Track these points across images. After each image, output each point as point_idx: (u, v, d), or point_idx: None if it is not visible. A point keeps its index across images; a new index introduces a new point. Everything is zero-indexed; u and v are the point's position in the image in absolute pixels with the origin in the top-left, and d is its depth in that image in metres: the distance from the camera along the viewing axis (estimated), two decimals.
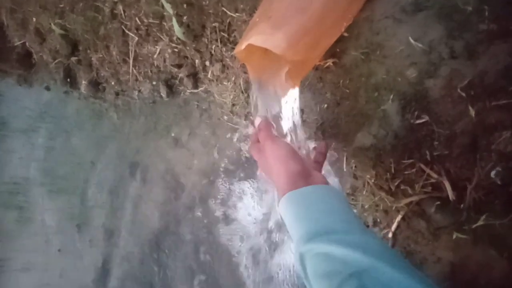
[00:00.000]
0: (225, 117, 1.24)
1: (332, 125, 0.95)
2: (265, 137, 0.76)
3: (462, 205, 0.70)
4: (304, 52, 0.78)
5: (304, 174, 0.68)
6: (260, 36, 0.75)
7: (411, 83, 0.76)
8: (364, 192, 0.89)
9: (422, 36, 0.76)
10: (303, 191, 0.63)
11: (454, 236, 0.70)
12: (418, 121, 0.75)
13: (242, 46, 0.77)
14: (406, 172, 0.78)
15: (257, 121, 0.83)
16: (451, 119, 0.71)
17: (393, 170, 0.80)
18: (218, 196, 1.23)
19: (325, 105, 0.96)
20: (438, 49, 0.73)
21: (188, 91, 1.32)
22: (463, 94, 0.69)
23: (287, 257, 1.07)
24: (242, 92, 1.16)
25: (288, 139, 0.88)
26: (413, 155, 0.77)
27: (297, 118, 0.86)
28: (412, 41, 0.76)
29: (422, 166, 0.75)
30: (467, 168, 0.70)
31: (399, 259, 0.50)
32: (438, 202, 0.72)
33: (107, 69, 1.50)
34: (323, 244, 0.53)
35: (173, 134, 1.37)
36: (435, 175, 0.73)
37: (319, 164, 0.79)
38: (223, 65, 1.20)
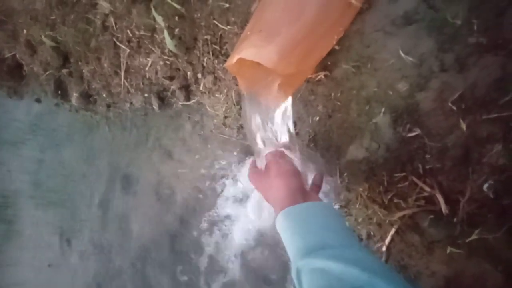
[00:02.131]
0: (218, 129, 1.23)
1: (324, 137, 0.95)
2: (274, 154, 0.80)
3: (455, 219, 0.70)
4: (296, 65, 0.78)
5: (303, 191, 0.70)
6: (251, 49, 0.74)
7: (402, 96, 0.76)
8: (357, 205, 0.88)
9: (412, 49, 0.76)
10: (301, 206, 0.64)
11: (448, 250, 0.70)
12: (410, 134, 0.75)
13: (233, 59, 0.77)
14: (399, 185, 0.78)
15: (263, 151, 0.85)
16: (443, 132, 0.71)
17: (385, 183, 0.80)
18: (212, 209, 1.22)
19: (317, 118, 0.96)
20: (429, 62, 0.73)
21: (180, 103, 1.31)
22: (454, 108, 0.69)
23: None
24: (235, 105, 1.16)
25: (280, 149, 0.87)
26: (406, 168, 0.76)
27: (290, 130, 0.85)
28: (402, 54, 0.76)
29: (415, 179, 0.75)
30: (460, 181, 0.70)
31: (393, 275, 0.50)
32: (432, 216, 0.72)
33: (98, 81, 1.48)
34: (319, 260, 0.53)
35: (165, 147, 1.36)
36: (427, 188, 0.73)
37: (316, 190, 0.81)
38: (215, 77, 1.19)
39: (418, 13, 0.77)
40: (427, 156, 0.73)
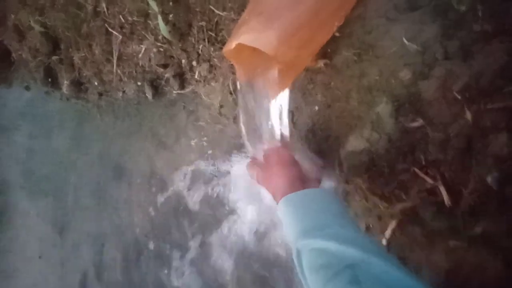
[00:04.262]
0: (213, 119, 1.20)
1: (323, 127, 0.93)
2: (275, 146, 0.83)
3: (457, 211, 0.68)
4: (296, 51, 0.75)
5: (303, 179, 0.74)
6: (250, 34, 0.71)
7: (404, 85, 0.74)
8: (356, 197, 0.87)
9: (416, 36, 0.73)
10: (302, 193, 0.68)
11: (450, 243, 0.68)
12: (412, 124, 0.73)
13: (231, 45, 0.74)
14: (400, 177, 0.76)
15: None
16: (446, 122, 0.69)
17: (386, 175, 0.78)
18: (207, 200, 1.19)
19: (316, 107, 0.94)
20: (432, 49, 0.71)
21: (174, 92, 1.28)
22: (458, 96, 0.67)
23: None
24: (231, 93, 1.13)
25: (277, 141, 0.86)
26: (407, 159, 0.74)
27: (287, 120, 0.83)
28: (405, 41, 0.73)
29: (417, 170, 0.73)
30: (463, 172, 0.68)
31: (388, 255, 0.54)
32: (434, 208, 0.70)
33: (89, 68, 1.45)
34: (319, 240, 0.55)
35: (158, 136, 1.33)
36: (430, 180, 0.71)
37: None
38: (211, 65, 1.16)
39: None
40: (430, 146, 0.71)
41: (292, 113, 0.95)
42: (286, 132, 0.86)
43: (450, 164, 0.69)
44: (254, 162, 0.88)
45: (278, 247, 1.02)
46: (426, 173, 0.72)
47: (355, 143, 0.82)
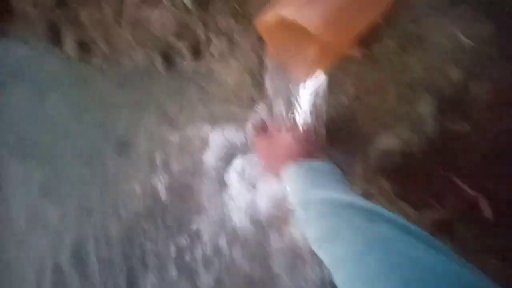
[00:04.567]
0: (226, 100, 1.12)
1: (350, 121, 0.86)
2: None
3: (501, 229, 0.62)
4: (339, 32, 0.68)
5: (318, 154, 0.76)
6: (293, 7, 0.64)
7: (453, 84, 0.67)
8: (378, 198, 0.80)
9: (470, 31, 0.67)
10: (317, 163, 0.70)
11: (490, 264, 0.62)
12: (456, 128, 0.67)
13: (269, 16, 0.66)
14: (436, 185, 0.69)
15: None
16: (497, 131, 0.63)
17: (420, 180, 0.71)
18: (211, 185, 1.12)
19: (343, 98, 0.87)
20: (488, 47, 0.65)
21: (187, 65, 1.19)
22: None
23: None
24: (249, 74, 1.05)
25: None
26: (447, 167, 0.68)
27: (321, 109, 0.76)
28: (461, 36, 0.66)
29: (457, 180, 0.67)
30: (510, 188, 0.62)
31: None
32: (473, 223, 0.64)
33: (97, 28, 1.35)
34: (331, 191, 0.57)
35: (164, 112, 1.24)
36: (471, 192, 0.65)
37: None
38: (230, 41, 1.08)
39: None
40: (474, 155, 0.65)
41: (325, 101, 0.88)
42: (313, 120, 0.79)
43: (497, 178, 0.63)
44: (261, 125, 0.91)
45: None
46: (468, 184, 0.66)
47: (388, 142, 0.75)
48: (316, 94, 0.73)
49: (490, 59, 0.65)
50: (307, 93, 0.73)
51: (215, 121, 1.14)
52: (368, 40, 0.79)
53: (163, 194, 1.21)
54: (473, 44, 0.65)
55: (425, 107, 0.70)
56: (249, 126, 0.99)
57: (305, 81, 0.73)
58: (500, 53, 0.64)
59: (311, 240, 0.55)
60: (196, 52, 1.17)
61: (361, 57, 0.81)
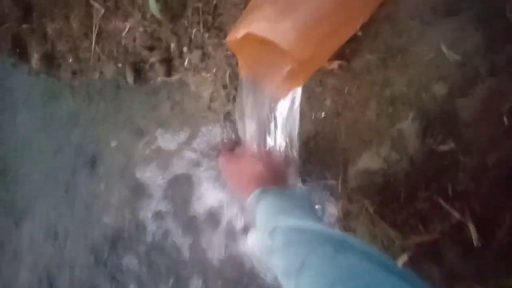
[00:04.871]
0: (201, 114, 1.07)
1: (329, 138, 0.82)
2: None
3: (488, 253, 0.58)
4: (313, 48, 0.63)
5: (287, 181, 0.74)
6: (264, 23, 0.59)
7: (438, 101, 0.63)
8: (360, 218, 0.76)
9: (456, 44, 0.63)
10: (283, 189, 0.67)
11: None
12: (441, 147, 0.63)
13: (239, 33, 0.62)
14: (419, 206, 0.66)
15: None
16: (484, 149, 0.59)
17: (403, 201, 0.67)
18: (186, 198, 1.07)
19: (323, 114, 0.83)
20: (475, 62, 0.61)
21: (159, 78, 1.14)
22: (504, 120, 0.57)
23: None
24: (224, 87, 1.00)
25: (280, 148, 0.75)
26: (431, 187, 0.64)
27: (294, 127, 0.72)
28: (444, 49, 0.63)
29: (441, 201, 0.63)
30: (498, 209, 0.58)
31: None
32: (459, 247, 0.60)
33: (64, 42, 1.29)
34: (298, 219, 0.54)
35: (137, 126, 1.19)
36: (456, 214, 0.61)
37: None
38: (204, 53, 1.03)
39: (463, 0, 0.64)
40: (460, 175, 0.61)
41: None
42: (290, 139, 0.75)
43: (483, 198, 0.59)
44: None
45: None
46: (453, 206, 0.62)
47: (369, 161, 0.71)
48: (290, 114, 0.68)
49: (477, 75, 0.61)
50: (281, 113, 0.69)
51: (188, 135, 1.09)
52: (347, 53, 0.76)
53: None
54: (460, 58, 0.62)
55: (408, 124, 0.66)
56: (218, 145, 0.96)
57: (279, 99, 0.68)
58: (488, 68, 0.60)
59: (277, 270, 0.51)
60: (169, 65, 1.12)
61: (340, 71, 0.77)
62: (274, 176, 0.69)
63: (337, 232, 0.50)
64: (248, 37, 0.62)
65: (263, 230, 0.58)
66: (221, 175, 1.01)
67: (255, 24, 0.60)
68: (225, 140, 0.98)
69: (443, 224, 0.62)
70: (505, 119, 0.57)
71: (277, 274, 0.51)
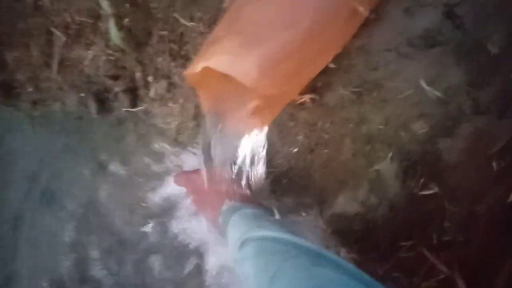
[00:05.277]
0: (167, 146, 1.00)
1: (302, 175, 0.75)
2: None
3: None
4: (281, 85, 0.57)
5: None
6: (224, 57, 0.53)
7: (418, 141, 0.58)
8: None
9: (436, 80, 0.58)
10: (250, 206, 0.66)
11: None
12: (424, 192, 0.57)
13: (197, 67, 0.55)
14: (402, 255, 0.59)
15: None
16: (471, 196, 0.53)
17: (383, 249, 0.61)
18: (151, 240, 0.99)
19: (295, 149, 0.76)
20: (458, 100, 0.56)
21: (123, 109, 1.07)
22: (493, 164, 0.51)
23: None
24: (192, 119, 0.94)
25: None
26: (414, 235, 0.58)
27: (260, 167, 0.65)
28: (424, 85, 0.57)
29: (426, 252, 0.56)
30: (490, 263, 0.52)
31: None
32: None
33: (24, 71, 1.21)
34: (269, 231, 0.52)
35: (100, 160, 1.11)
36: (443, 268, 0.55)
37: None
38: (170, 83, 0.97)
39: (442, 33, 0.59)
40: (446, 224, 0.55)
41: (266, 161, 0.76)
42: (258, 180, 0.68)
43: (473, 251, 0.53)
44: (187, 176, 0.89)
45: None
46: (438, 257, 0.56)
47: (345, 204, 0.65)
48: (256, 151, 0.62)
49: (461, 113, 0.56)
50: (247, 149, 0.62)
51: (154, 167, 1.02)
52: (319, 86, 0.70)
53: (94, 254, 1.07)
54: (441, 95, 0.56)
55: (387, 165, 0.60)
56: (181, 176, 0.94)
57: (244, 135, 0.62)
58: (472, 106, 0.55)
59: (247, 280, 0.49)
60: (134, 95, 1.05)
61: (312, 105, 0.71)
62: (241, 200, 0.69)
63: (313, 245, 0.46)
64: (209, 70, 0.56)
65: (233, 246, 0.56)
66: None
67: (215, 58, 0.54)
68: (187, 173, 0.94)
69: (429, 279, 0.56)
70: (494, 163, 0.51)
71: (247, 283, 0.49)
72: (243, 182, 0.70)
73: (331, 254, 0.44)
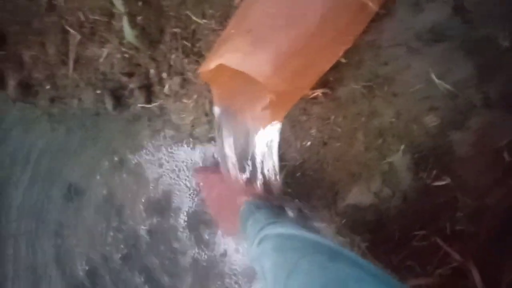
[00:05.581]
0: (182, 141, 1.03)
1: (316, 168, 0.77)
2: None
3: None
4: (292, 80, 0.59)
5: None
6: (237, 54, 0.55)
7: (429, 134, 0.59)
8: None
9: (446, 73, 0.58)
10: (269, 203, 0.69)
11: None
12: (436, 183, 0.58)
13: (210, 64, 0.57)
14: (415, 244, 0.60)
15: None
16: (483, 187, 0.54)
17: (397, 239, 0.62)
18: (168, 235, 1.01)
19: (308, 143, 0.78)
20: (468, 93, 0.57)
21: (139, 105, 1.09)
22: (505, 156, 0.52)
23: None
24: (206, 114, 0.96)
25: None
26: (427, 226, 0.59)
27: (274, 161, 0.67)
28: (434, 78, 0.58)
29: (439, 241, 0.58)
30: (502, 253, 0.53)
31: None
32: None
33: (41, 70, 1.23)
34: (288, 228, 0.53)
35: (117, 155, 1.14)
36: (456, 256, 0.56)
37: None
38: (184, 80, 0.99)
39: (451, 28, 0.59)
40: (458, 214, 0.56)
41: (280, 156, 0.78)
42: (269, 176, 0.70)
43: (485, 241, 0.54)
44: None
45: None
46: (451, 246, 0.57)
47: (359, 196, 0.66)
48: (270, 145, 0.63)
49: (471, 106, 0.56)
50: (260, 144, 0.64)
51: (170, 163, 1.04)
52: (331, 81, 0.71)
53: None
54: (451, 88, 0.57)
55: (399, 158, 0.61)
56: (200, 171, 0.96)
57: (258, 130, 0.63)
58: (482, 99, 0.56)
59: (264, 274, 0.50)
60: (148, 91, 1.07)
61: (324, 99, 0.72)
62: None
63: (330, 242, 0.47)
64: (222, 67, 0.58)
65: (252, 241, 0.57)
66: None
67: (228, 55, 0.55)
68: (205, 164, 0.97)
69: (442, 267, 0.57)
70: (505, 154, 0.52)
71: (265, 278, 0.50)
72: (258, 177, 0.72)
73: (347, 251, 0.45)
